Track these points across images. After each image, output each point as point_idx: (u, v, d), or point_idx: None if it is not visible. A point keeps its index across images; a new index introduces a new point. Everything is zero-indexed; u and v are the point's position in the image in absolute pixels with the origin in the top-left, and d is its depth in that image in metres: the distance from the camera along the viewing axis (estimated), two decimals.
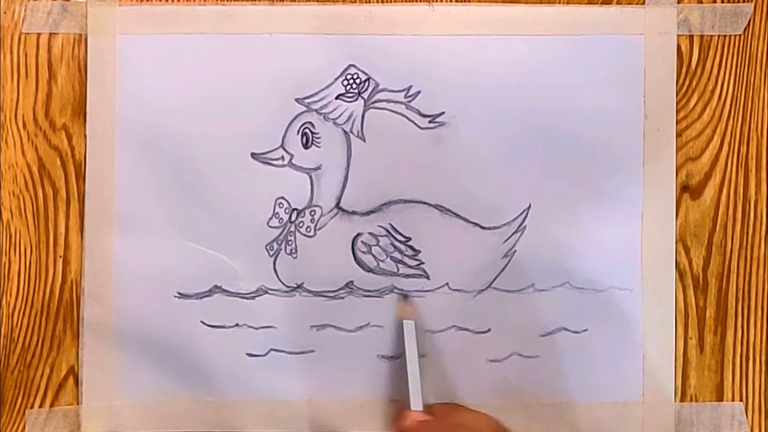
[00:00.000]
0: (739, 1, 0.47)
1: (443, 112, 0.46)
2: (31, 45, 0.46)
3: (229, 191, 0.46)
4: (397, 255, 0.46)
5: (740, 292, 0.47)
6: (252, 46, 0.46)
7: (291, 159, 0.46)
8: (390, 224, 0.46)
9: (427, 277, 0.46)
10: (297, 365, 0.46)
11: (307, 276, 0.46)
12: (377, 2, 0.47)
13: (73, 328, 0.46)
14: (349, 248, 0.46)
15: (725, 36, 0.47)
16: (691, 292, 0.47)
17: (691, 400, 0.47)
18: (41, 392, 0.46)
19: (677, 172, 0.47)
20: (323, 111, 0.46)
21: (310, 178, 0.46)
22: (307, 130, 0.46)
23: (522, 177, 0.46)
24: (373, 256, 0.46)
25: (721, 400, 0.47)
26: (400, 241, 0.46)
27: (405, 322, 0.45)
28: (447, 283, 0.46)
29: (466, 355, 0.46)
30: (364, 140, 0.46)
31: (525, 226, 0.46)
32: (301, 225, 0.46)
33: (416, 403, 0.42)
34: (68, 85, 0.46)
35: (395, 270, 0.46)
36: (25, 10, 0.46)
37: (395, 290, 0.46)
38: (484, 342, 0.46)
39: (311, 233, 0.46)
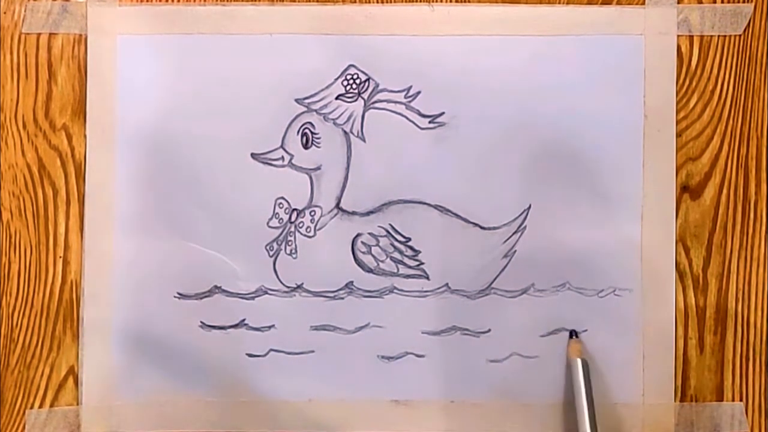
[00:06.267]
0: (739, 1, 0.47)
1: (443, 112, 0.46)
2: (31, 45, 0.46)
3: (229, 191, 0.46)
4: (397, 255, 0.46)
5: (740, 292, 0.47)
6: (252, 47, 0.46)
7: (291, 159, 0.46)
8: (390, 224, 0.46)
9: (427, 278, 0.46)
10: (297, 365, 0.46)
11: (307, 276, 0.46)
12: (377, 2, 0.47)
13: (73, 328, 0.46)
14: (349, 248, 0.46)
15: (725, 36, 0.47)
16: (691, 292, 0.47)
17: (691, 400, 0.47)
18: (41, 392, 0.46)
19: (677, 172, 0.47)
20: (323, 111, 0.46)
21: (310, 178, 0.46)
22: (307, 131, 0.46)
23: (522, 177, 0.46)
24: (373, 256, 0.46)
25: (721, 400, 0.47)
26: (400, 242, 0.46)
27: (576, 360, 0.45)
28: (447, 284, 0.46)
29: (466, 355, 0.46)
30: (364, 140, 0.46)
31: (525, 226, 0.46)
32: (301, 225, 0.46)
33: None
34: (68, 85, 0.46)
35: (395, 270, 0.46)
36: (25, 10, 0.46)
37: (395, 290, 0.46)
38: (484, 342, 0.46)
39: (311, 233, 0.46)
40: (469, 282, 0.46)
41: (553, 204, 0.46)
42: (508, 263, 0.46)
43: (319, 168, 0.46)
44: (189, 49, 0.46)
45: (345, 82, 0.46)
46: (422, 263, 0.46)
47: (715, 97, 0.47)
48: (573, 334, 0.46)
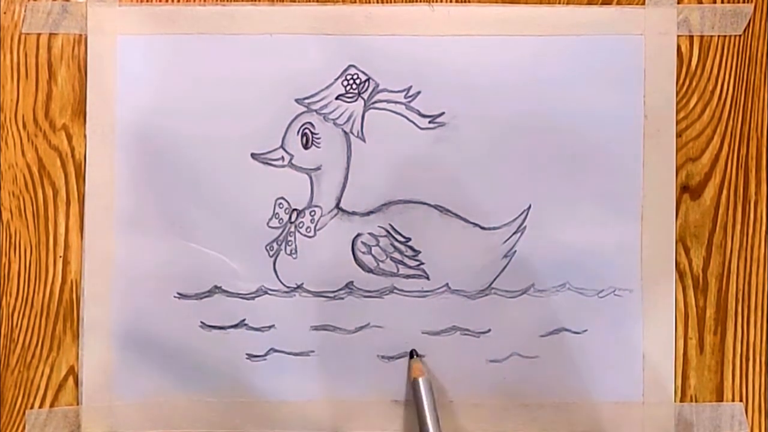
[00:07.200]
0: (739, 1, 0.47)
1: (443, 112, 0.46)
2: (31, 45, 0.46)
3: (229, 191, 0.46)
4: (397, 255, 0.46)
5: (740, 292, 0.47)
6: (252, 47, 0.46)
7: (291, 159, 0.46)
8: (390, 225, 0.46)
9: (427, 278, 0.46)
10: (297, 366, 0.46)
11: (307, 276, 0.46)
12: (377, 2, 0.47)
13: (73, 328, 0.46)
14: (349, 249, 0.46)
15: (725, 36, 0.47)
16: (691, 292, 0.47)
17: (691, 401, 0.47)
18: (41, 392, 0.46)
19: (677, 172, 0.47)
20: (323, 111, 0.46)
21: (310, 178, 0.46)
22: (307, 131, 0.46)
23: (522, 177, 0.46)
24: (373, 256, 0.46)
25: (721, 401, 0.47)
26: (400, 242, 0.46)
27: (421, 379, 0.45)
28: (447, 284, 0.46)
29: (466, 355, 0.46)
30: (364, 140, 0.46)
31: (525, 227, 0.46)
32: (301, 225, 0.46)
33: None
34: (68, 85, 0.46)
35: (395, 270, 0.46)
36: (25, 10, 0.46)
37: (395, 290, 0.46)
38: (484, 342, 0.46)
39: (311, 233, 0.46)
40: (469, 282, 0.46)
41: (553, 204, 0.46)
42: (508, 263, 0.46)
43: (319, 168, 0.46)
44: (189, 49, 0.46)
45: (345, 82, 0.46)
46: (422, 263, 0.46)
47: (715, 97, 0.47)
48: (414, 354, 0.46)
